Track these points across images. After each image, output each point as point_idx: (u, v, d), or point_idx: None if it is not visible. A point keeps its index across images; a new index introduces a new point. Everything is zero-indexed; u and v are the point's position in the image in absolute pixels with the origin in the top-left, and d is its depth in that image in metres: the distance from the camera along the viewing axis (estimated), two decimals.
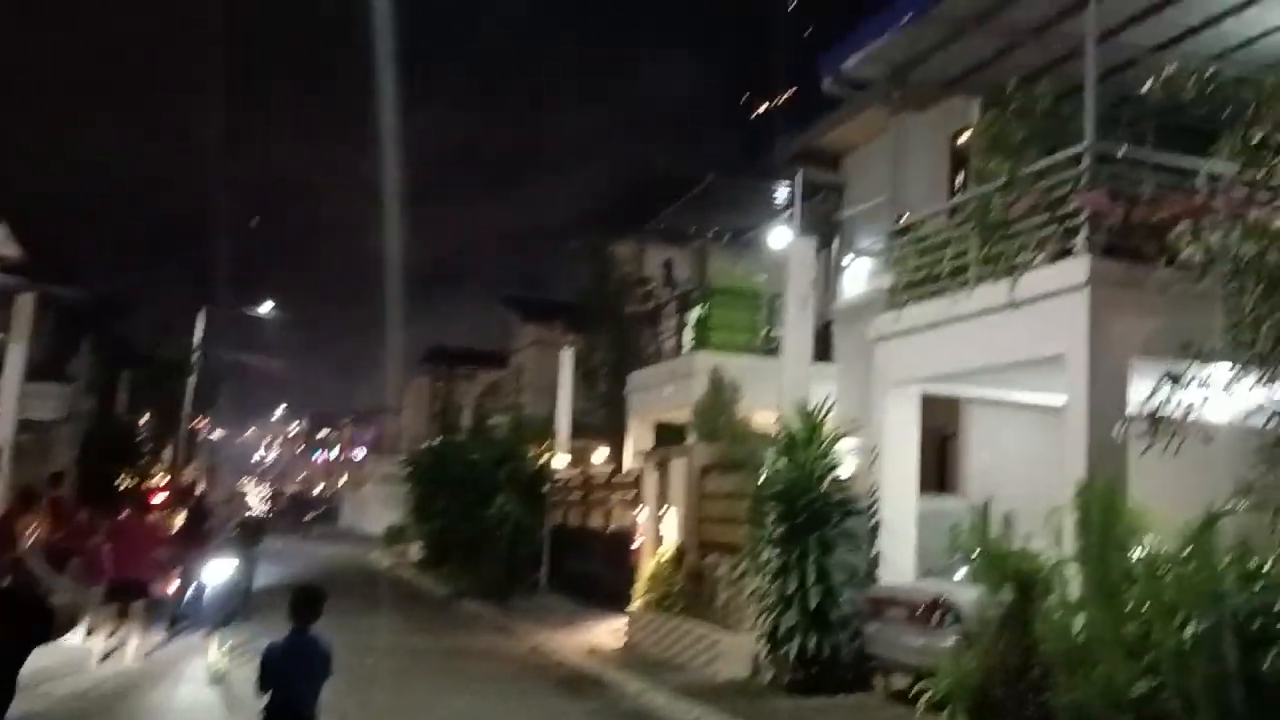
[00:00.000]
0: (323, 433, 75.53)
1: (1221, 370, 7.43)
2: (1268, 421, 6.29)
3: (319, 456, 75.78)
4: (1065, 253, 9.45)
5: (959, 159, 14.71)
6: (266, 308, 31.27)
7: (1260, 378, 5.97)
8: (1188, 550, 6.87)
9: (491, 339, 37.02)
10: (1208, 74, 6.86)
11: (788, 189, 17.53)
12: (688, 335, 17.59)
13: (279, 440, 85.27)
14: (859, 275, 16.84)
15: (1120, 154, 9.56)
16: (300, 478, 76.10)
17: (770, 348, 16.67)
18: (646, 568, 14.59)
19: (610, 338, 23.51)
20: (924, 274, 11.31)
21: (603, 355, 23.66)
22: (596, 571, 17.97)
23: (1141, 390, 9.06)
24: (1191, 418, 7.00)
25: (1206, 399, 7.20)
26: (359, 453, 62.32)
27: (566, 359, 22.10)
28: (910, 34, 11.22)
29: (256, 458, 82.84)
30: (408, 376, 44.89)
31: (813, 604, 10.56)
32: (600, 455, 22.96)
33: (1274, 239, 8.84)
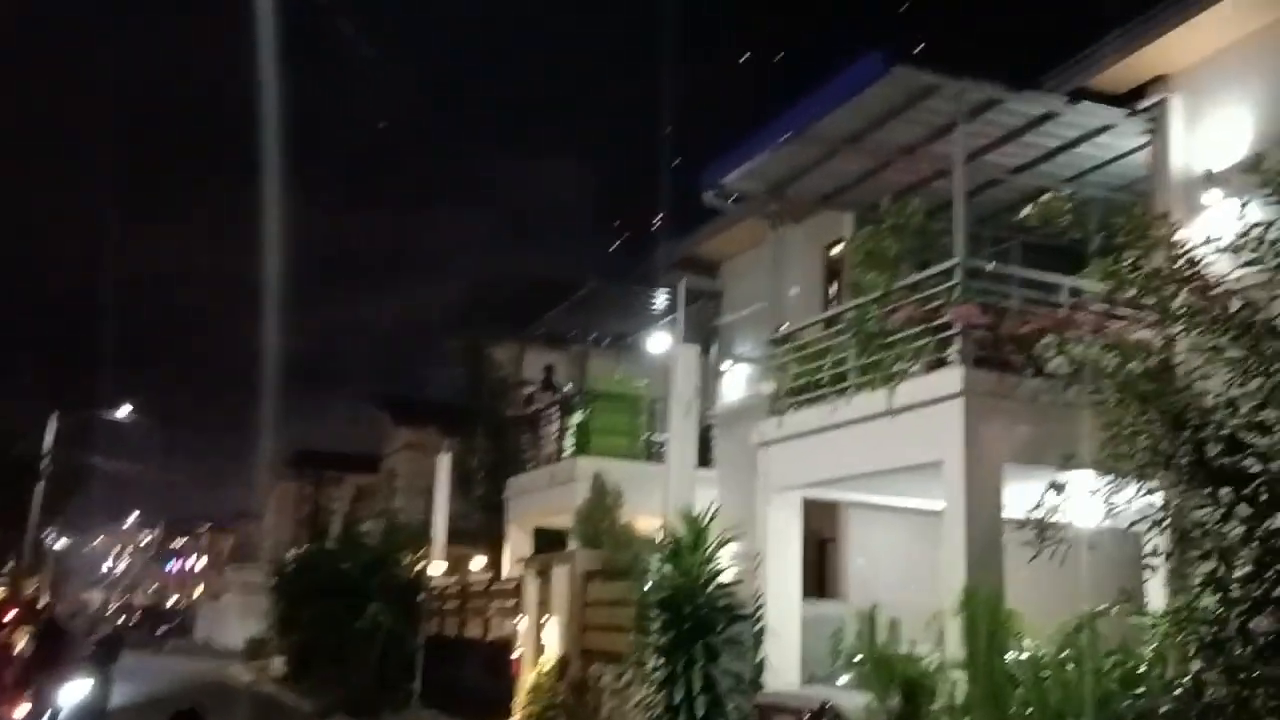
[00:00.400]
0: (178, 541, 72.25)
1: (1096, 478, 7.75)
2: (1146, 527, 6.57)
3: (173, 566, 72.36)
4: (940, 363, 9.82)
5: (833, 269, 15.26)
6: (124, 411, 30.03)
7: (1137, 488, 6.26)
8: (1066, 654, 7.08)
9: (363, 441, 36.28)
10: (1074, 202, 7.21)
11: (668, 295, 17.84)
12: (569, 440, 17.54)
13: (130, 549, 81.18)
14: (738, 380, 17.16)
15: (988, 269, 10.05)
16: (152, 588, 72.42)
17: (652, 453, 16.77)
18: (527, 679, 14.27)
19: (487, 441, 23.29)
20: (805, 381, 11.59)
21: (479, 459, 23.39)
22: (474, 683, 17.47)
23: (1017, 495, 9.44)
24: (1069, 523, 7.26)
25: (1083, 505, 7.48)
26: (217, 561, 59.78)
27: (443, 464, 21.77)
28: (787, 152, 11.65)
29: (105, 567, 78.61)
30: (273, 480, 43.47)
31: (700, 713, 10.44)
32: (478, 562, 22.52)
33: (1132, 352, 9.40)
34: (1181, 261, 7.06)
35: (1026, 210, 7.76)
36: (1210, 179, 9.75)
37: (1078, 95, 10.41)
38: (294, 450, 39.44)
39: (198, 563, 64.22)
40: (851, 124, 11.05)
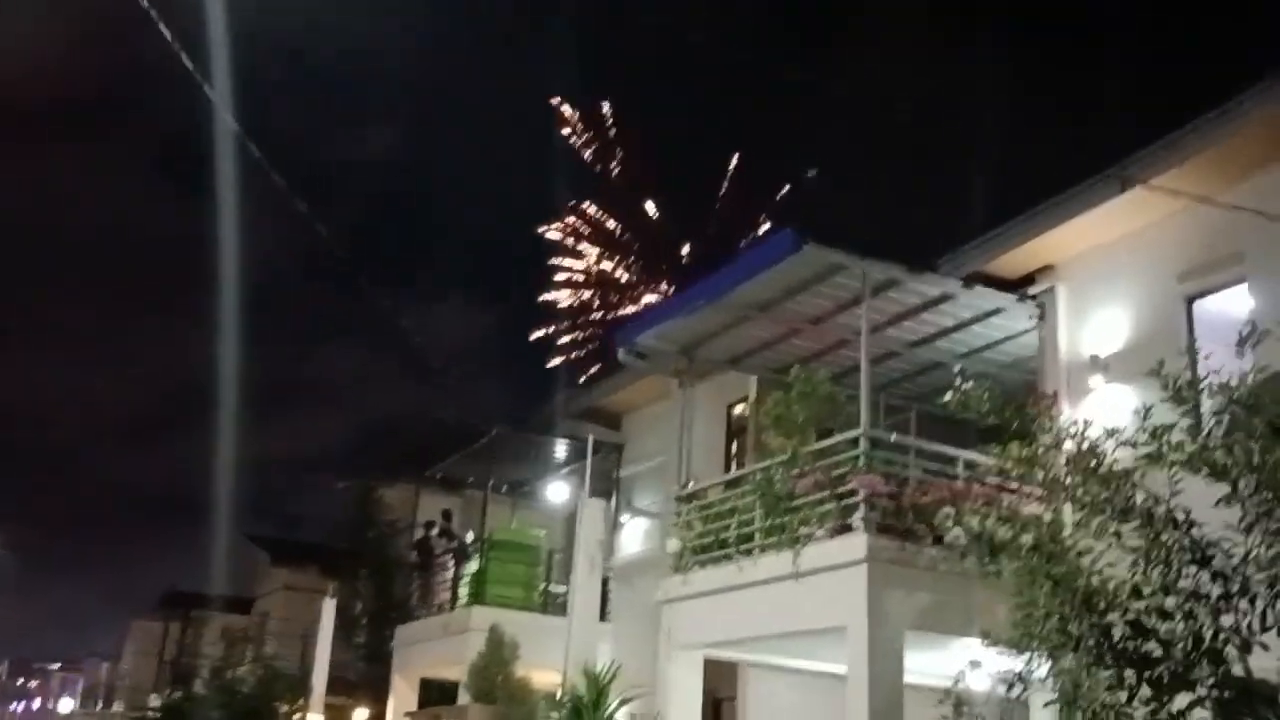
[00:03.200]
0: (23, 681, 67.58)
1: (998, 649, 8.05)
2: (1047, 702, 6.83)
3: (17, 707, 67.49)
4: (844, 528, 10.13)
5: (734, 427, 15.67)
6: None
7: (1040, 662, 6.53)
8: None
9: (237, 581, 34.91)
10: (989, 389, 7.68)
11: (568, 444, 18.00)
12: (463, 589, 17.29)
13: None
14: (637, 534, 17.26)
15: (891, 439, 10.50)
16: None
17: (549, 604, 16.63)
18: None
19: (373, 586, 22.73)
20: (710, 540, 11.76)
21: (364, 605, 22.78)
22: None
23: (918, 661, 9.69)
24: (983, 694, 7.50)
25: (987, 673, 7.74)
26: (65, 704, 56.01)
27: (327, 609, 21.08)
28: (700, 317, 12.10)
29: None
30: (133, 618, 41.33)
31: None
32: (360, 715, 21.69)
33: (1024, 525, 9.88)
34: (1072, 443, 7.56)
35: (946, 397, 8.18)
36: (1095, 364, 10.48)
37: (972, 279, 11.14)
38: (163, 589, 37.71)
39: (52, 703, 60.10)
40: (762, 294, 11.57)
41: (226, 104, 8.08)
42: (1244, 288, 9.56)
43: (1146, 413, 6.41)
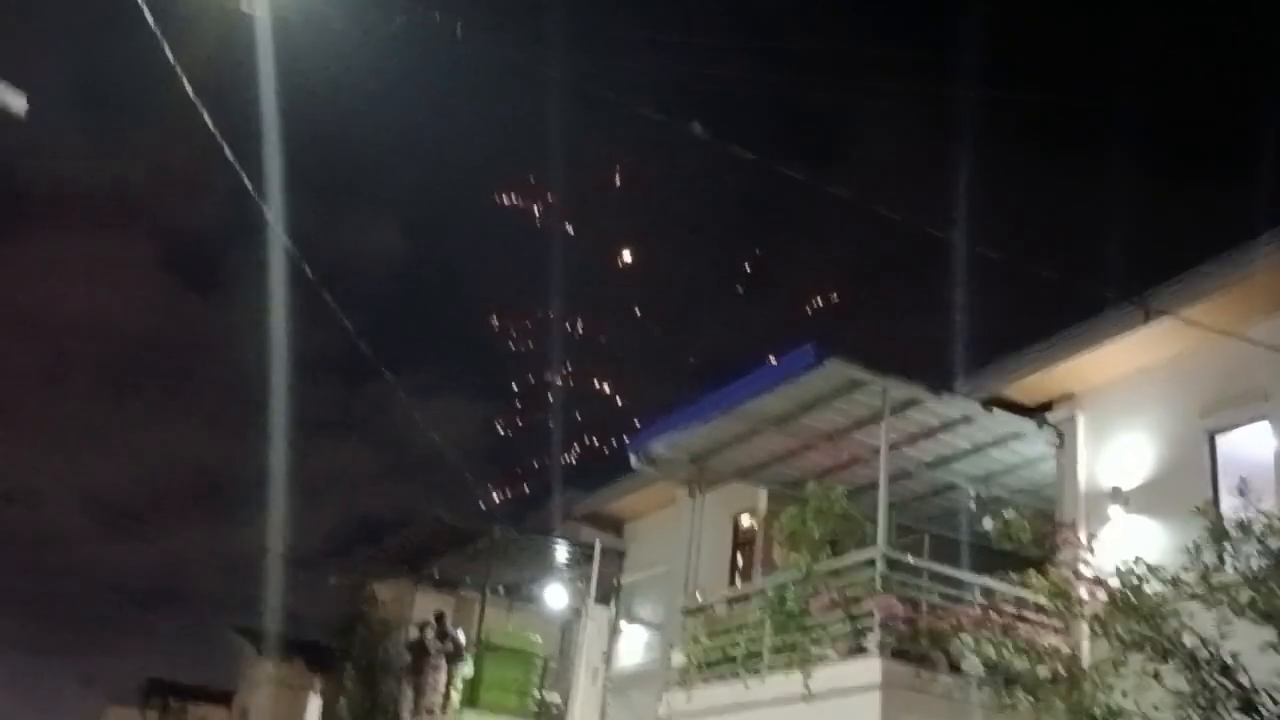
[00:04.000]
0: None
1: None
2: None
3: None
4: (858, 650, 9.90)
5: (741, 539, 15.46)
6: None
7: None
8: None
9: (218, 672, 34.11)
10: (1029, 519, 7.59)
11: (569, 548, 17.74)
12: (455, 692, 16.85)
13: None
14: (635, 644, 16.88)
15: (908, 561, 10.32)
16: None
17: (542, 712, 16.19)
18: None
19: (361, 685, 22.18)
20: (717, 655, 11.49)
21: (350, 704, 22.20)
22: None
23: None
24: None
25: None
26: None
27: (312, 705, 20.61)
28: (714, 427, 12.03)
29: None
30: (110, 704, 40.24)
31: None
32: None
33: (1041, 656, 9.68)
34: (1104, 577, 7.43)
35: (986, 522, 8.08)
36: (1114, 495, 10.37)
37: (992, 403, 11.09)
38: (143, 676, 36.86)
39: None
40: (779, 407, 11.52)
41: (273, 208, 8.14)
42: (1266, 424, 9.51)
43: (1198, 551, 6.28)
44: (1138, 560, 6.78)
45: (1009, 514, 7.56)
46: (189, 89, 7.90)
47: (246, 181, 8.10)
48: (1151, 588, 6.56)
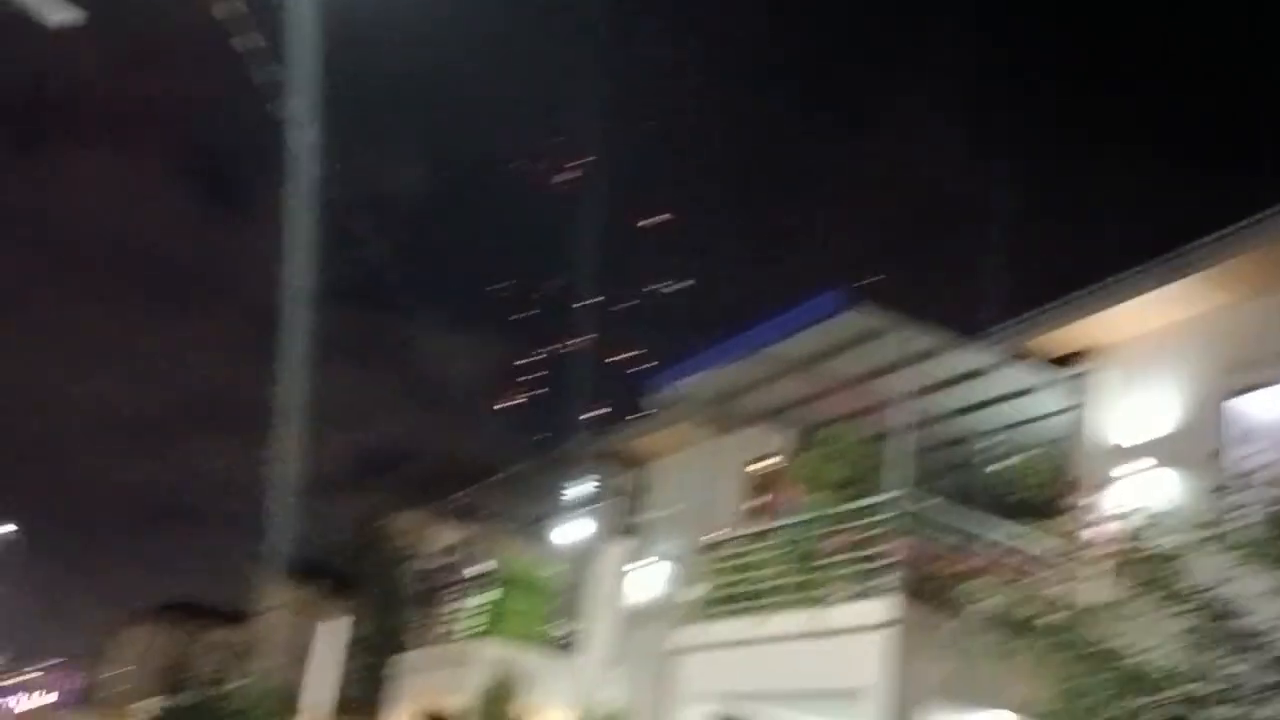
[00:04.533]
0: (21, 674, 66.99)
1: None
2: None
3: (11, 702, 66.86)
4: (870, 591, 10.13)
5: (755, 483, 15.69)
6: (2, 530, 28.50)
7: None
8: None
9: (240, 593, 34.80)
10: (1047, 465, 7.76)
11: (588, 484, 18.05)
12: (472, 620, 17.24)
13: None
14: (651, 580, 17.21)
15: (929, 505, 10.50)
16: None
17: (558, 643, 16.57)
18: None
19: (378, 609, 22.65)
20: (731, 591, 11.75)
21: (366, 628, 22.69)
22: None
23: None
24: None
25: None
26: (50, 697, 55.58)
27: (334, 629, 21.03)
28: (739, 369, 12.19)
29: None
30: (135, 623, 41.17)
31: None
32: None
33: (1051, 603, 9.89)
34: (1116, 525, 7.60)
35: (1000, 465, 8.26)
36: (1129, 449, 10.52)
37: (1013, 355, 11.22)
38: (164, 596, 37.68)
39: (40, 700, 59.59)
40: (801, 352, 11.65)
41: (305, 122, 8.27)
42: None
43: (1210, 498, 6.45)
44: (1147, 511, 6.97)
45: (1027, 456, 7.69)
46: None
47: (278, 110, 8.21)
48: (1162, 536, 6.72)
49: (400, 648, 19.40)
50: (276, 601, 31.34)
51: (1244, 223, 9.63)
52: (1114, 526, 8.81)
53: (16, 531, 28.37)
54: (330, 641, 21.03)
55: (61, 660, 57.98)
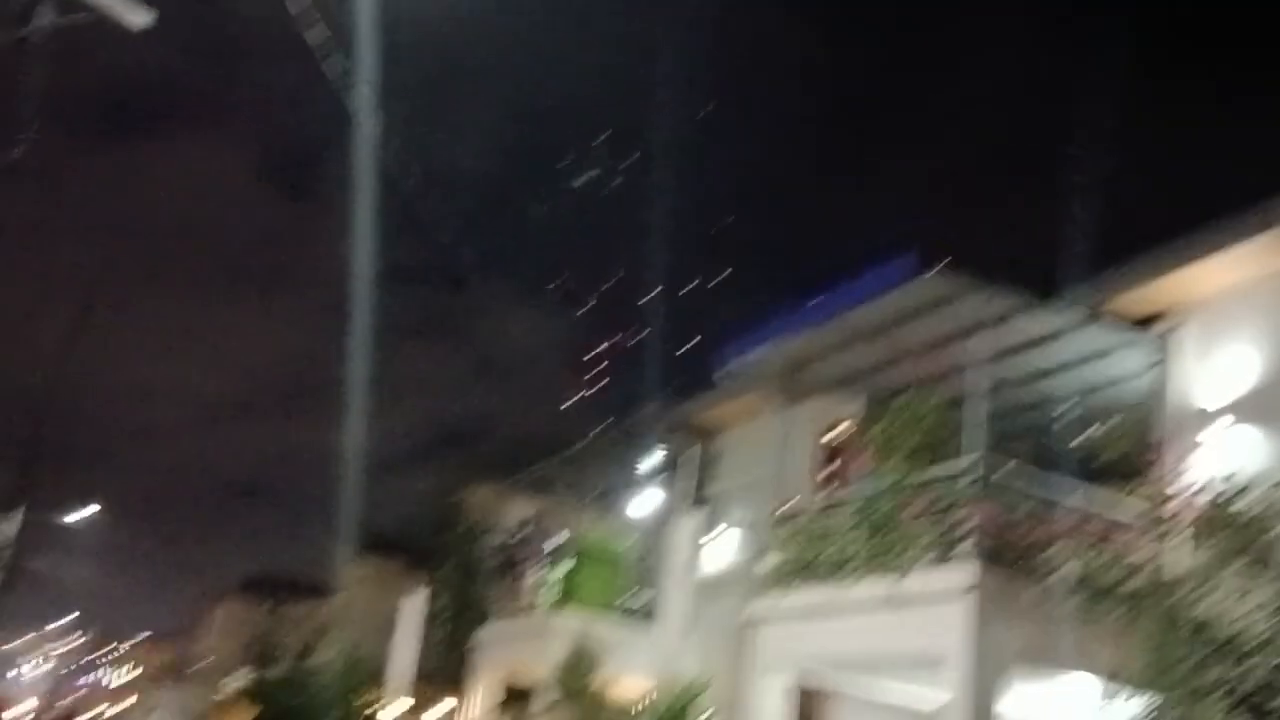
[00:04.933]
0: (111, 650, 69.44)
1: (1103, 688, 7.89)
2: None
3: (103, 676, 69.33)
4: (949, 557, 10.00)
5: (827, 451, 15.55)
6: (89, 512, 29.41)
7: (1170, 704, 6.41)
8: None
9: (321, 567, 35.53)
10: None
11: (660, 456, 18.06)
12: (549, 592, 17.41)
13: (55, 653, 77.92)
14: (725, 550, 17.20)
15: (1007, 468, 10.33)
16: (74, 697, 69.23)
17: (635, 613, 16.66)
18: None
19: (456, 583, 22.99)
20: (808, 559, 11.69)
21: (446, 601, 23.05)
22: None
23: (1016, 698, 9.54)
24: None
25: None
26: (137, 671, 57.52)
27: (416, 604, 21.42)
28: (809, 337, 12.08)
29: (17, 672, 74.77)
30: (219, 599, 42.34)
31: None
32: (439, 709, 21.93)
33: (1133, 569, 9.69)
34: (1203, 491, 7.40)
35: (1080, 429, 8.09)
36: (1218, 408, 10.21)
37: (1095, 315, 10.94)
38: (248, 573, 38.64)
39: (130, 674, 61.74)
40: (875, 318, 11.49)
41: (368, 110, 8.33)
42: None
43: None
44: (1232, 476, 6.74)
45: (1108, 419, 7.51)
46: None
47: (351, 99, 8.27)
48: (1248, 500, 6.52)
49: (479, 621, 19.68)
50: (357, 576, 31.95)
51: None
52: (1198, 490, 8.61)
53: (100, 511, 29.23)
54: (411, 615, 21.43)
55: (149, 635, 59.90)
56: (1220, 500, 6.72)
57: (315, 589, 35.51)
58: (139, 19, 7.75)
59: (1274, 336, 10.06)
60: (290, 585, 37.40)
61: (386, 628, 24.19)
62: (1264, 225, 9.60)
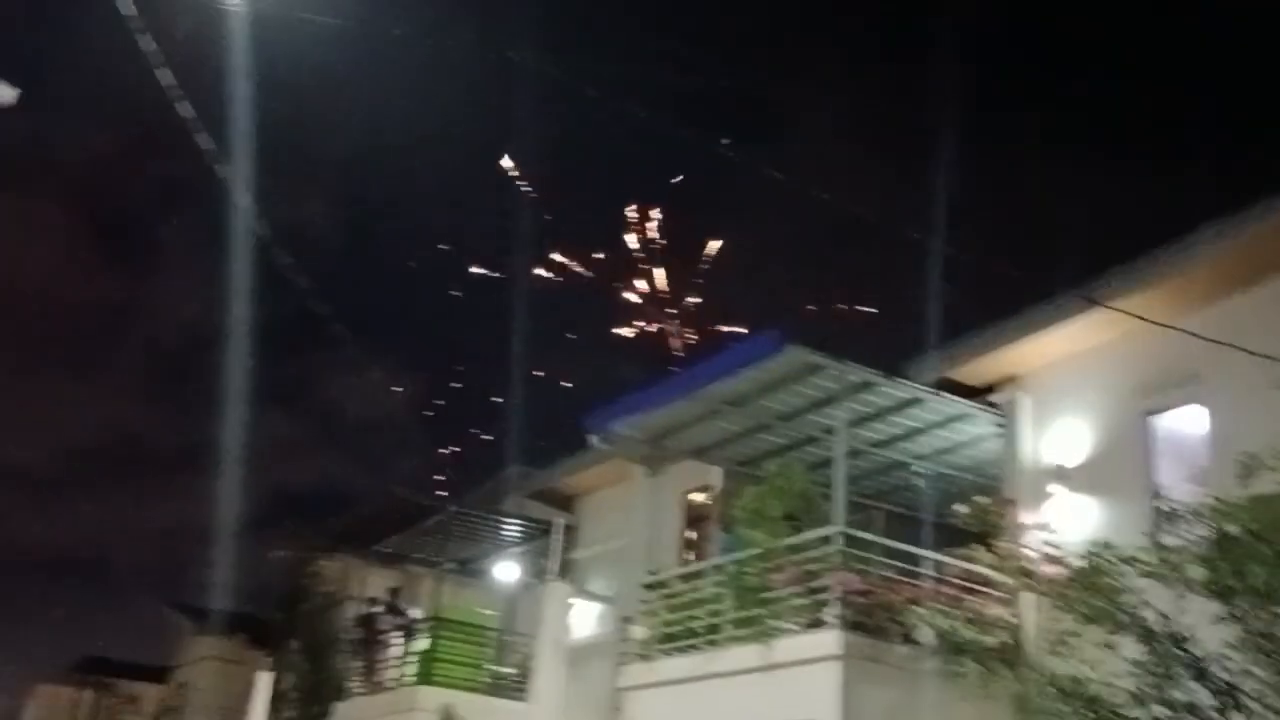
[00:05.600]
0: None
1: None
2: None
3: None
4: (817, 623, 10.38)
5: (693, 515, 15.90)
6: None
7: None
8: None
9: (154, 649, 33.85)
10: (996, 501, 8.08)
11: (522, 525, 18.05)
12: (409, 668, 17.09)
13: None
14: (586, 618, 17.27)
15: (864, 537, 10.83)
16: None
17: (502, 684, 16.51)
18: None
19: (307, 660, 22.26)
20: (677, 628, 11.91)
21: (298, 679, 22.28)
22: None
23: None
24: None
25: None
26: None
27: (262, 681, 20.63)
28: (676, 408, 12.42)
29: None
30: (39, 681, 39.68)
31: None
32: None
33: (989, 627, 10.27)
34: (1057, 552, 7.96)
35: (957, 507, 8.59)
36: (1056, 473, 10.97)
37: (940, 385, 11.62)
38: (71, 653, 36.42)
39: None
40: (738, 390, 11.93)
41: (242, 181, 8.29)
42: (1199, 407, 10.14)
43: (1153, 531, 6.80)
44: (1104, 544, 7.31)
45: (959, 482, 8.00)
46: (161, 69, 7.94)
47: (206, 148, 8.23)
48: (1107, 564, 7.05)
49: (334, 698, 19.13)
50: (198, 655, 30.56)
51: (1151, 255, 10.15)
52: (1047, 549, 9.24)
53: None
54: (260, 695, 20.61)
55: None
56: (1084, 565, 7.23)
57: (152, 671, 33.76)
58: (6, 95, 7.58)
59: (1101, 405, 10.90)
60: (126, 667, 35.42)
61: (234, 710, 23.18)
62: (1085, 305, 10.39)
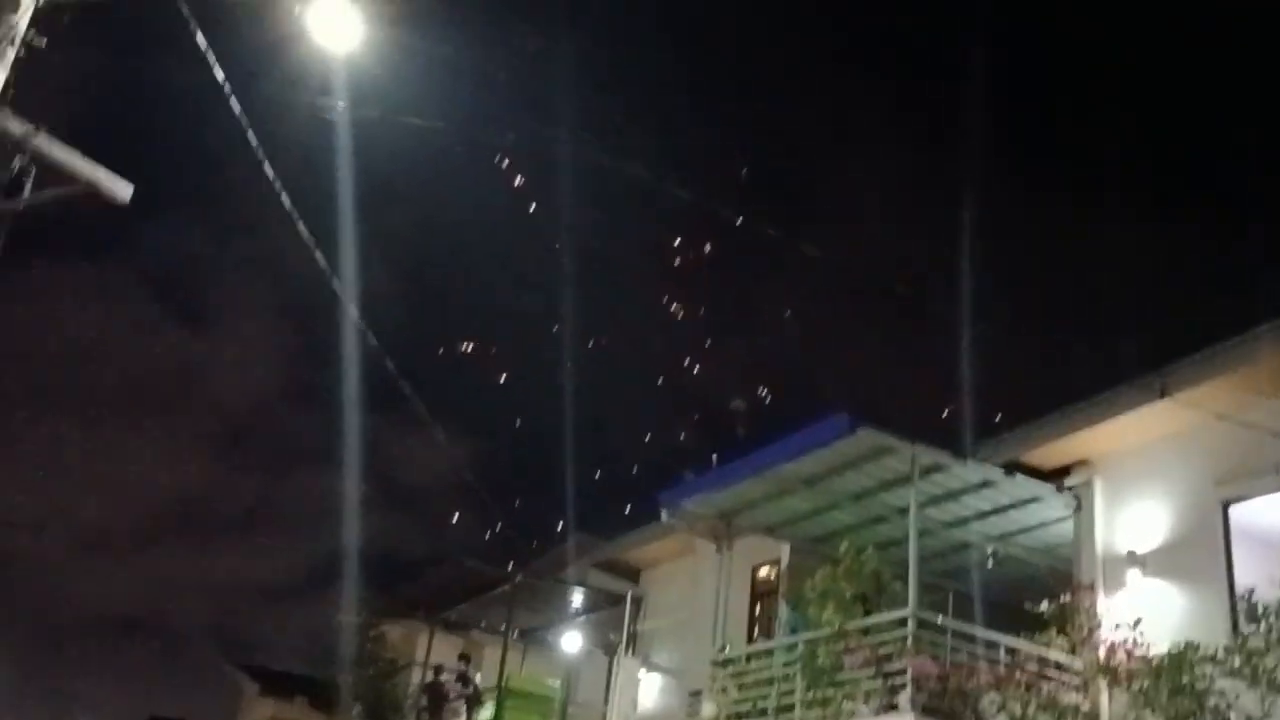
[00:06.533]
0: None
1: None
2: None
3: None
4: (890, 706, 10.39)
5: (759, 590, 15.94)
6: None
7: None
8: None
9: (218, 711, 34.10)
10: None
11: (586, 595, 18.18)
12: None
13: None
14: (652, 688, 17.30)
15: (939, 621, 10.84)
16: None
17: None
18: None
19: None
20: (747, 707, 11.95)
21: None
22: None
23: None
24: None
25: None
26: None
27: None
28: (746, 488, 12.59)
29: None
30: None
31: None
32: None
33: (1063, 713, 10.22)
34: (1133, 644, 7.98)
35: (1005, 576, 8.66)
36: (1131, 559, 10.94)
37: (1012, 468, 11.67)
38: (141, 713, 36.85)
39: None
40: (809, 470, 12.07)
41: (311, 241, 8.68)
42: (1278, 497, 10.10)
43: (1236, 631, 6.82)
44: (1188, 642, 7.29)
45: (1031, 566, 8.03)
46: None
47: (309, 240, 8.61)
48: (1192, 662, 7.06)
49: None
50: (260, 716, 30.79)
51: (1222, 344, 10.19)
52: (1124, 637, 9.22)
53: None
54: None
55: None
56: (1168, 663, 7.23)
57: None
58: (122, 191, 8.01)
59: (1177, 492, 10.88)
60: None
61: None
62: (1159, 393, 10.44)
